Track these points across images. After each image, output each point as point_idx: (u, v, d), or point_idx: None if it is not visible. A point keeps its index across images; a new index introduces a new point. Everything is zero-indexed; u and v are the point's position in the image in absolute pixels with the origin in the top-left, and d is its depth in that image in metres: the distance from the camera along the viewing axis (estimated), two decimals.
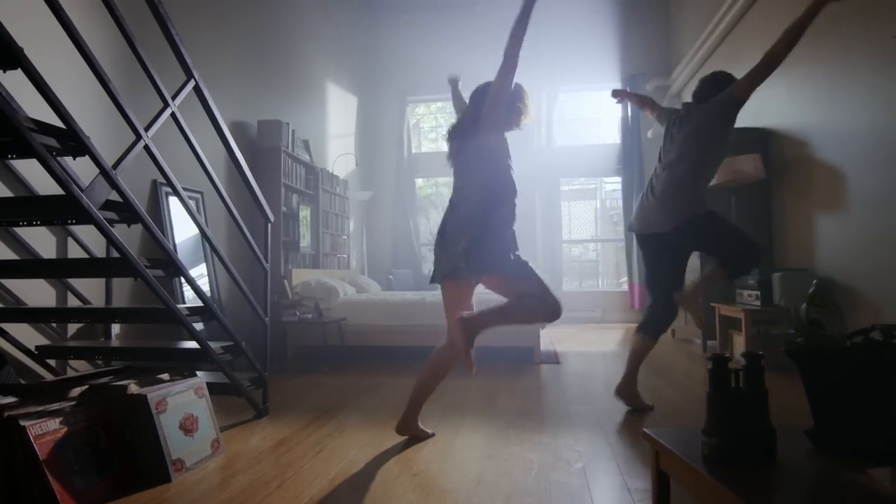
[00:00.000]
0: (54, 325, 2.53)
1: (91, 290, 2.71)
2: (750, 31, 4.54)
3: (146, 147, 1.79)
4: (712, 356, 0.88)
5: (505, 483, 1.69)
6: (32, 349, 2.30)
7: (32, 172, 2.36)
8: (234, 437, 2.22)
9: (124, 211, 1.73)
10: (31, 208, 1.65)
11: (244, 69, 4.34)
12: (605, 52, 6.86)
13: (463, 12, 7.21)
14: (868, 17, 3.01)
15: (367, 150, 7.36)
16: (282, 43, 5.05)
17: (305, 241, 4.76)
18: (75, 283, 2.62)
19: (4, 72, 1.41)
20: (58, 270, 2.07)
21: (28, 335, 2.38)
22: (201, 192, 3.69)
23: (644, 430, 1.09)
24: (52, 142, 1.46)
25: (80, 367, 2.71)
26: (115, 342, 2.76)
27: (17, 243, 2.32)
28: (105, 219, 1.59)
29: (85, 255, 2.62)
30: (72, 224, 1.81)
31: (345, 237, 5.92)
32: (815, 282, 1.05)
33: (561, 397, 2.83)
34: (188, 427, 1.91)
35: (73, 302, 2.65)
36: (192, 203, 2.45)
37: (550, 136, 7.01)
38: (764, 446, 0.85)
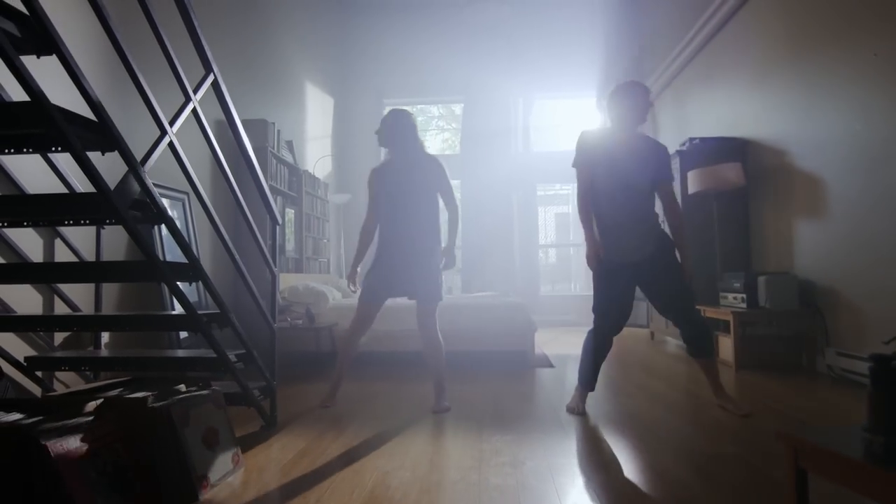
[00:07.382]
0: (41, 333, 2.34)
1: (76, 296, 2.53)
2: (722, 47, 4.74)
3: (170, 144, 1.68)
4: (874, 356, 0.90)
5: (560, 485, 1.67)
6: (16, 360, 2.12)
7: (19, 168, 2.18)
8: (249, 449, 2.11)
9: (148, 211, 1.62)
10: (63, 206, 1.52)
11: (227, 66, 4.17)
12: (581, 60, 7.01)
13: (437, 14, 7.21)
14: (849, 34, 3.19)
15: (343, 153, 7.23)
16: (262, 40, 4.90)
17: (290, 245, 4.62)
18: (64, 288, 2.44)
19: (38, 57, 1.29)
20: (89, 275, 1.93)
21: (10, 345, 2.19)
22: (187, 194, 3.52)
23: (779, 430, 1.11)
24: (87, 135, 1.34)
25: (66, 378, 2.52)
26: (104, 351, 2.58)
27: (5, 245, 2.14)
28: (133, 219, 1.48)
29: (74, 259, 2.45)
30: (83, 225, 1.68)
31: (325, 241, 5.78)
32: None
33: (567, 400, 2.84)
34: (210, 441, 1.80)
35: (60, 308, 2.46)
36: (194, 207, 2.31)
37: (528, 142, 7.09)
38: None
